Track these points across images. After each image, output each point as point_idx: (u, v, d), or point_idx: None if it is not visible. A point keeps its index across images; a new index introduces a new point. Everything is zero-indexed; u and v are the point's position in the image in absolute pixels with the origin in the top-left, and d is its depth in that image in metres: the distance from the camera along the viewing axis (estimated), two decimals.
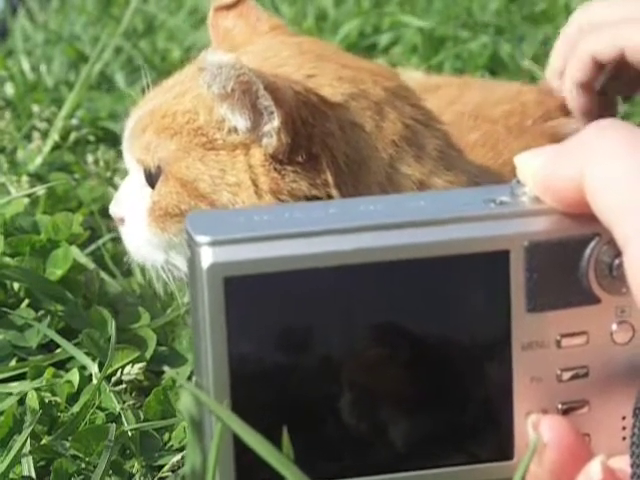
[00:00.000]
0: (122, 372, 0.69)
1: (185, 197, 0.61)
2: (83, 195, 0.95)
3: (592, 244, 0.42)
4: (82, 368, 0.70)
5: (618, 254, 0.40)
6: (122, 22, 1.37)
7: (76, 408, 0.65)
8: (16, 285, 0.78)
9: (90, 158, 1.04)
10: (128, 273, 0.83)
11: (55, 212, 0.85)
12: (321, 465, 0.43)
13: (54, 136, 1.06)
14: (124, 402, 0.66)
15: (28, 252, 0.77)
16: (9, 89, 1.25)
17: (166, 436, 0.65)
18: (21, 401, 0.65)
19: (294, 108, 0.59)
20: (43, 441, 0.62)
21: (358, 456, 0.43)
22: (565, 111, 0.83)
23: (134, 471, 0.62)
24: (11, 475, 0.60)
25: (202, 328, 0.41)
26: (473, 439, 0.44)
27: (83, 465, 0.61)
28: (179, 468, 0.62)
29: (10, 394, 0.67)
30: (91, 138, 1.12)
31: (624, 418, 0.44)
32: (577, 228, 0.42)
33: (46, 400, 0.65)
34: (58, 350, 0.73)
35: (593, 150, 0.39)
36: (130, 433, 0.63)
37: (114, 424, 0.62)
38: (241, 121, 0.60)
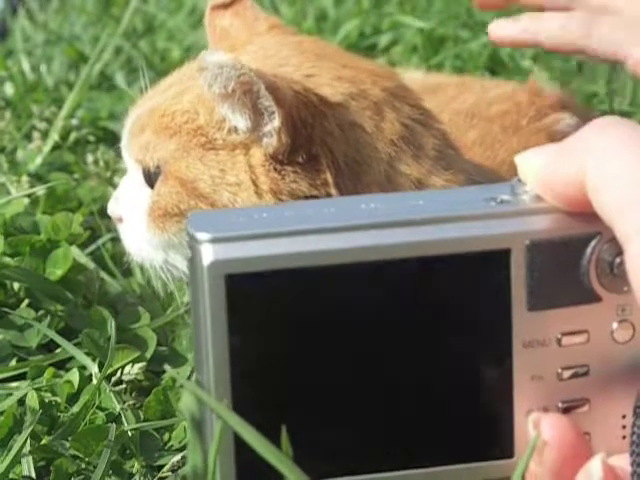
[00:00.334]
0: (122, 372, 0.69)
1: (185, 197, 0.61)
2: (83, 195, 0.95)
3: (593, 242, 0.41)
4: (82, 368, 0.70)
5: (619, 252, 0.40)
6: (122, 22, 1.37)
7: (76, 408, 0.65)
8: (16, 285, 0.78)
9: (90, 158, 1.04)
10: (128, 273, 0.83)
11: (55, 212, 0.85)
12: (321, 463, 0.43)
13: (54, 136, 1.06)
14: (124, 402, 0.66)
15: (28, 252, 0.78)
16: (9, 89, 1.25)
17: (166, 436, 0.65)
18: (21, 401, 0.65)
19: (294, 108, 0.59)
20: (43, 441, 0.62)
21: (358, 454, 0.43)
22: (556, 108, 0.84)
23: (134, 471, 0.62)
24: (11, 475, 0.60)
25: (203, 326, 0.41)
26: (474, 437, 0.44)
27: (83, 465, 0.61)
28: (179, 468, 0.62)
29: (10, 394, 0.67)
30: (91, 138, 1.12)
31: (624, 417, 0.44)
32: (578, 226, 0.42)
33: (46, 400, 0.65)
34: (58, 350, 0.73)
35: (594, 148, 0.39)
36: (130, 433, 0.63)
37: (114, 424, 0.62)
38: (241, 121, 0.60)
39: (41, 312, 0.75)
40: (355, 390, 0.43)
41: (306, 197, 0.59)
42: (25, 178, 0.96)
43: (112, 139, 1.05)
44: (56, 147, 1.07)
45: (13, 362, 0.72)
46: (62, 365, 0.72)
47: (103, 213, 0.85)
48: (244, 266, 0.41)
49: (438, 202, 0.43)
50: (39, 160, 1.03)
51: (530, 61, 1.28)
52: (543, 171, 0.41)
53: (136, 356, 0.70)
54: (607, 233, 0.40)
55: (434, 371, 0.43)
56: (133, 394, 0.69)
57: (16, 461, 0.60)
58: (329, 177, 0.60)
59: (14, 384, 0.69)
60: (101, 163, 1.02)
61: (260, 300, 0.41)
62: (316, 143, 0.60)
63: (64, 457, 0.61)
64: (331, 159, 0.60)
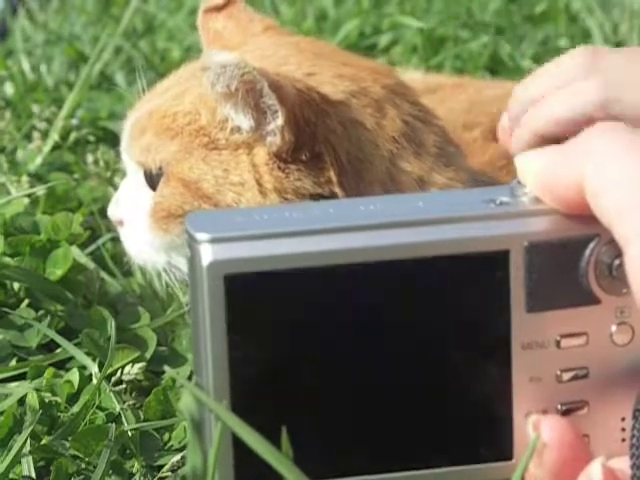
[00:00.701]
0: (122, 372, 0.69)
1: (188, 198, 0.61)
2: (83, 195, 0.95)
3: (592, 244, 0.42)
4: (82, 368, 0.70)
5: (618, 255, 0.41)
6: (122, 22, 1.37)
7: (76, 408, 0.65)
8: (16, 285, 0.78)
9: (90, 158, 1.03)
10: (128, 273, 0.83)
11: (55, 212, 0.85)
12: (321, 464, 0.43)
13: (54, 136, 1.06)
14: (124, 402, 0.66)
15: (28, 252, 0.77)
16: (9, 89, 1.24)
17: (166, 436, 0.65)
18: (21, 401, 0.65)
19: (297, 106, 0.59)
20: (43, 441, 0.62)
21: (358, 455, 0.43)
22: None
23: (134, 471, 0.62)
24: (11, 475, 0.60)
25: (202, 326, 0.41)
26: (473, 439, 0.44)
27: (83, 465, 0.61)
28: (179, 468, 0.62)
29: (10, 394, 0.67)
30: (91, 138, 1.12)
31: (623, 419, 0.44)
32: (577, 228, 0.42)
33: (46, 400, 0.65)
34: (58, 350, 0.73)
35: (593, 152, 0.39)
36: (130, 433, 0.63)
37: (114, 424, 0.62)
38: (245, 120, 0.60)
39: (41, 312, 0.75)
40: (354, 391, 0.43)
41: (310, 195, 0.59)
42: (25, 178, 0.96)
43: (112, 139, 1.05)
44: (56, 147, 1.07)
45: (13, 362, 0.72)
46: (62, 365, 0.72)
47: (103, 213, 0.85)
48: (243, 266, 0.41)
49: (437, 203, 0.43)
50: (39, 160, 1.03)
51: (530, 61, 1.28)
52: (542, 173, 0.42)
53: (136, 356, 0.70)
54: (605, 235, 0.40)
55: (433, 373, 0.43)
56: (133, 394, 0.69)
57: (16, 461, 0.60)
58: (333, 175, 0.60)
59: (14, 384, 0.69)
60: (101, 163, 1.02)
61: (259, 300, 0.41)
62: (319, 141, 0.60)
63: (64, 457, 0.61)
64: (334, 157, 0.60)
